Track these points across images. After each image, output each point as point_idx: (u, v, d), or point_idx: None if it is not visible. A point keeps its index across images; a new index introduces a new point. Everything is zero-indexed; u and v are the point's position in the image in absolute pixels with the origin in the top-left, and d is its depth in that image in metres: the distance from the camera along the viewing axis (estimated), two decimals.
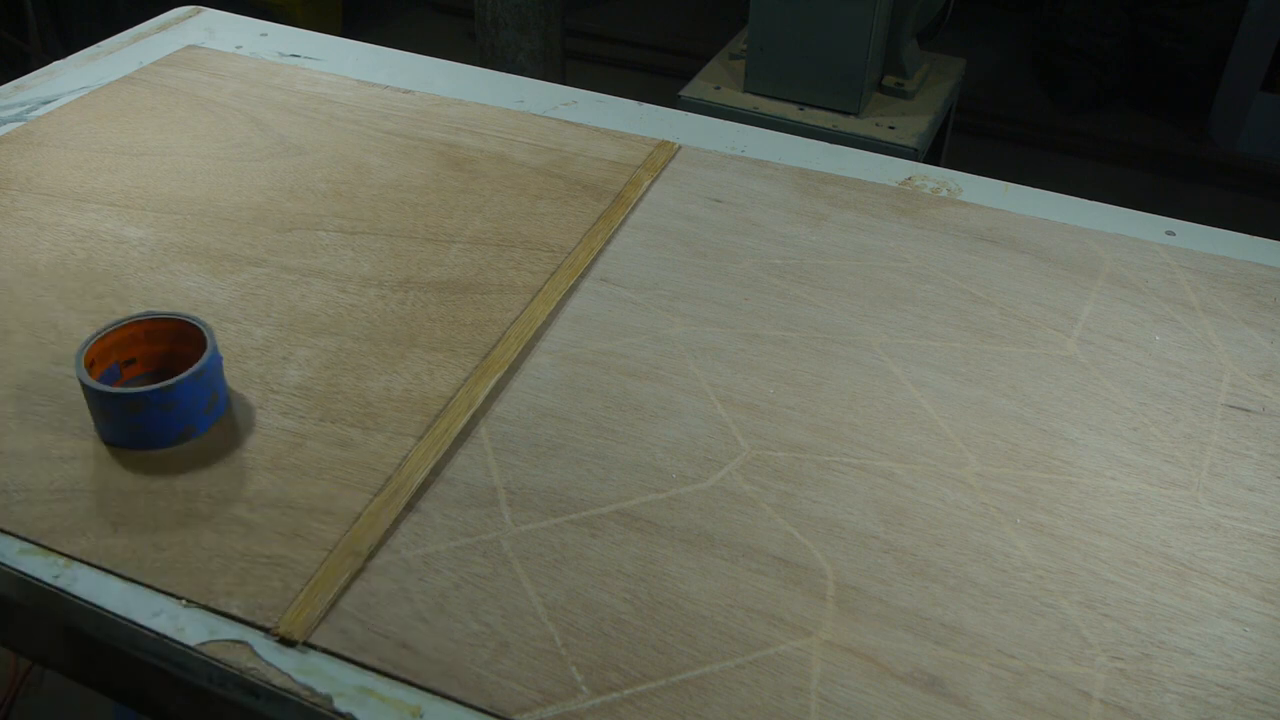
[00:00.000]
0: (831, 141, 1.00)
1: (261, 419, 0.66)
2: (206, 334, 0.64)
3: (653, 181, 0.91)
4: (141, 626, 0.54)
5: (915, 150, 1.60)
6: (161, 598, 0.55)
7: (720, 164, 0.95)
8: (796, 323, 0.75)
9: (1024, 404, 0.69)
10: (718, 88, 1.76)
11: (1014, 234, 0.86)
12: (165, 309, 0.70)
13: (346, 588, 0.56)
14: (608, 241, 0.83)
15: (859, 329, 0.75)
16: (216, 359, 0.64)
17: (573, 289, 0.78)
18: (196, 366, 0.62)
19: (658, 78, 2.93)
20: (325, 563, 0.57)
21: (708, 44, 2.02)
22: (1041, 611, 0.55)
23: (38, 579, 0.56)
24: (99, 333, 0.65)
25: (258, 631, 0.53)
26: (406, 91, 1.04)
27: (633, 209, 0.87)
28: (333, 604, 0.55)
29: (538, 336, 0.73)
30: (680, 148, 0.96)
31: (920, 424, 0.67)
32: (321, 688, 0.51)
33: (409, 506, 0.60)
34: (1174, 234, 0.87)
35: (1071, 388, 0.70)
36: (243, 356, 0.70)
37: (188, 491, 0.61)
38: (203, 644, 0.53)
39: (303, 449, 0.64)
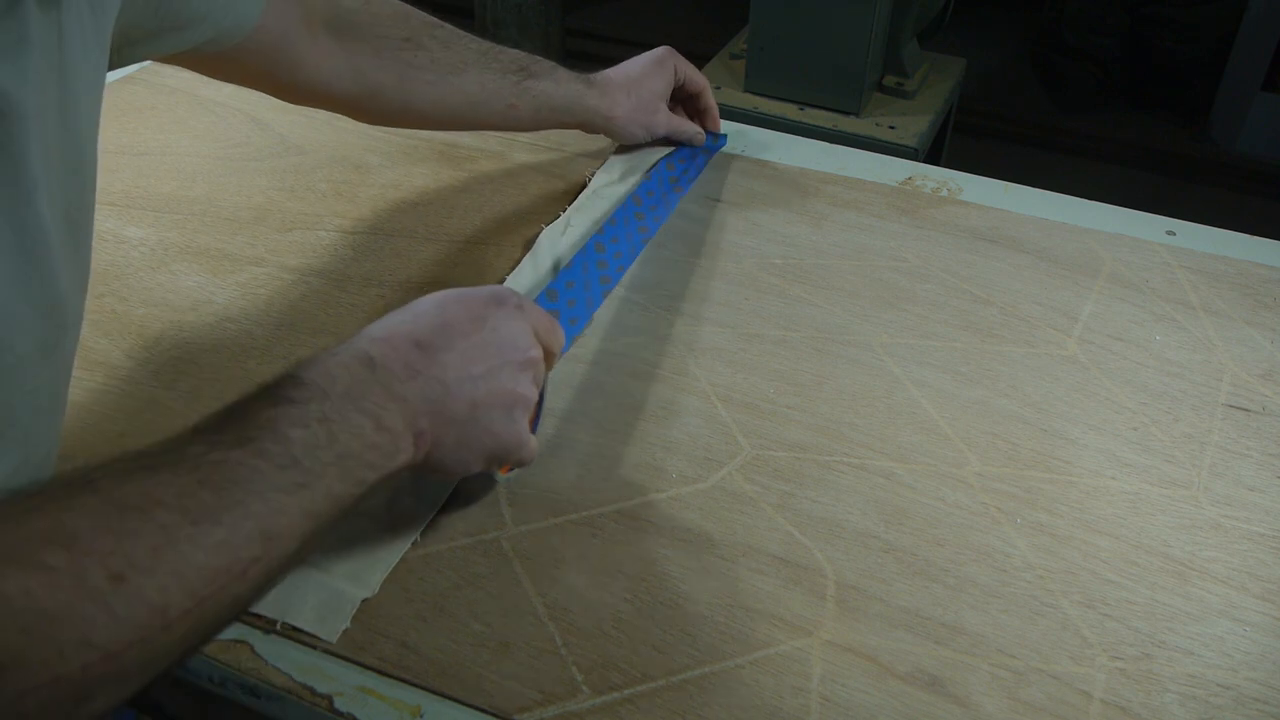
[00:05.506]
0: (832, 141, 1.00)
1: None
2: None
3: None
4: None
5: (915, 150, 1.60)
6: None
7: (720, 164, 0.95)
8: (796, 322, 0.75)
9: (1024, 404, 0.69)
10: (718, 88, 1.76)
11: (1014, 233, 0.86)
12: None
13: None
14: None
15: (859, 329, 0.75)
16: None
17: None
18: None
19: None
20: None
21: (708, 44, 2.02)
22: (1041, 611, 0.55)
23: None
24: None
25: (258, 631, 0.53)
26: None
27: None
28: None
29: None
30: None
31: (920, 424, 0.67)
32: (321, 688, 0.51)
33: None
34: (1174, 234, 0.87)
35: (1072, 387, 0.70)
36: (243, 356, 0.70)
37: None
38: None
39: None
